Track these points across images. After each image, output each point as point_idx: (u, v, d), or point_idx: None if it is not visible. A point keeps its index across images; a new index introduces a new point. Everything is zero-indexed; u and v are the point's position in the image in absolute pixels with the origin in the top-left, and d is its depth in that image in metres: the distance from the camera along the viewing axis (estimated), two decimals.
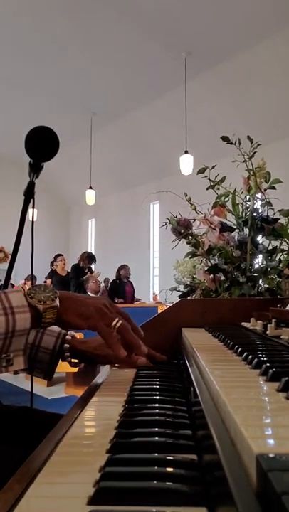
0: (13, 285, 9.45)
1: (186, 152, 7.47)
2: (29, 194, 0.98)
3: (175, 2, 6.18)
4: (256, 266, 1.54)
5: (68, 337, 0.92)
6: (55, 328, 0.96)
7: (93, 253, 7.58)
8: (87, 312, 0.70)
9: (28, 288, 0.69)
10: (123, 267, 7.76)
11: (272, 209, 1.55)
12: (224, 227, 1.56)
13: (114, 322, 0.72)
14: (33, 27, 6.93)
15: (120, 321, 0.72)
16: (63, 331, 0.95)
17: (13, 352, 0.65)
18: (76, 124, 10.01)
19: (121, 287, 7.62)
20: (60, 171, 11.78)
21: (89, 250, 13.45)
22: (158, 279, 11.36)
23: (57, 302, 0.68)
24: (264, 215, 1.54)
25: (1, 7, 6.46)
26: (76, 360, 0.92)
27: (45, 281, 8.63)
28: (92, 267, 7.05)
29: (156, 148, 10.10)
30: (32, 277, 1.53)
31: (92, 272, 6.60)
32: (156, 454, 0.40)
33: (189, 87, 7.84)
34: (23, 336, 0.65)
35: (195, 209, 1.64)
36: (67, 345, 0.91)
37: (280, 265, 1.51)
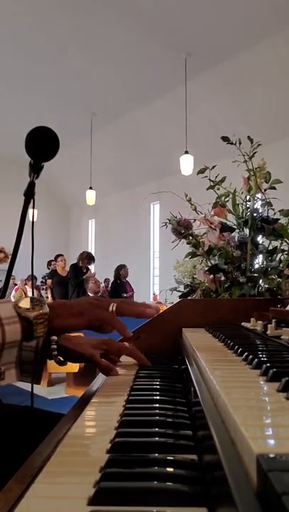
0: (15, 284, 9.42)
1: (186, 152, 7.47)
2: (29, 194, 0.98)
3: (175, 2, 6.18)
4: (256, 266, 1.54)
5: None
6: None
7: (93, 253, 7.56)
8: (79, 308, 0.70)
9: (15, 300, 0.67)
10: (123, 266, 7.73)
11: (273, 209, 1.55)
12: (224, 228, 1.56)
13: (111, 307, 0.71)
14: (33, 27, 6.93)
15: (115, 303, 0.72)
16: None
17: (4, 365, 0.63)
18: (76, 124, 10.02)
19: (121, 287, 7.61)
20: (60, 171, 11.79)
21: (89, 250, 13.48)
22: (158, 279, 11.36)
23: (46, 308, 0.66)
24: (264, 215, 1.54)
25: (1, 7, 6.46)
26: (62, 359, 0.89)
27: (43, 282, 8.65)
28: (92, 267, 7.03)
29: (156, 148, 10.10)
30: (32, 277, 1.52)
31: (85, 273, 6.58)
32: (156, 454, 0.40)
33: (189, 87, 7.84)
34: (13, 347, 0.63)
35: (195, 209, 1.64)
36: (54, 338, 0.88)
37: (281, 265, 1.51)
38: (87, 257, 6.73)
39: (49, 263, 8.35)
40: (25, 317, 0.64)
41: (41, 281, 9.01)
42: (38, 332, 0.65)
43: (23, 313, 0.64)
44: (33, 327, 0.64)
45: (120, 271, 7.67)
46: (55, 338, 0.86)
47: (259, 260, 1.56)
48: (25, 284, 8.45)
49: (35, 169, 0.98)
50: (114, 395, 0.63)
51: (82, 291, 6.38)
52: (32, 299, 0.67)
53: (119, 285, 7.64)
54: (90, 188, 9.80)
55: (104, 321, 0.71)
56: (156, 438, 0.44)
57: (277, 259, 1.54)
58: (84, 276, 6.45)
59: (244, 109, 7.97)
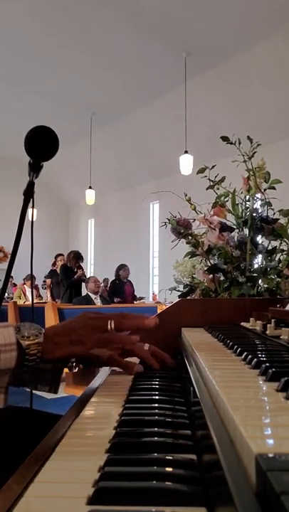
0: (15, 284, 9.39)
1: (186, 152, 7.47)
2: (29, 194, 0.98)
3: (175, 2, 6.18)
4: (256, 266, 1.54)
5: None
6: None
7: (92, 253, 7.55)
8: (78, 336, 0.68)
9: (16, 324, 0.66)
10: (122, 266, 7.72)
11: (272, 209, 1.55)
12: (224, 227, 1.56)
13: (109, 324, 0.70)
14: (33, 27, 6.93)
15: (112, 321, 0.71)
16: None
17: None
18: (76, 123, 10.02)
19: (120, 287, 7.61)
20: (59, 170, 11.79)
21: (88, 250, 13.50)
22: (157, 278, 11.37)
23: (41, 338, 0.65)
24: (264, 215, 1.54)
25: (1, 7, 6.46)
26: (81, 366, 0.89)
27: (44, 281, 8.64)
28: (91, 267, 7.01)
29: (156, 148, 10.10)
30: (32, 277, 1.52)
31: (82, 270, 6.55)
32: (155, 454, 0.40)
33: (189, 86, 7.84)
34: (6, 374, 0.63)
35: (195, 209, 1.64)
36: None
37: (280, 265, 1.51)
38: (75, 257, 6.68)
39: (54, 264, 8.33)
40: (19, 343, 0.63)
41: (43, 281, 8.99)
42: (30, 359, 0.64)
43: (19, 339, 0.63)
44: (25, 356, 0.64)
45: (120, 271, 7.67)
46: None
47: (258, 260, 1.56)
48: (24, 283, 8.45)
49: (35, 169, 0.97)
50: (113, 395, 0.63)
51: (75, 291, 6.35)
52: (30, 326, 0.66)
53: (118, 285, 7.64)
54: (90, 187, 9.80)
55: (106, 343, 0.70)
56: (156, 438, 0.44)
57: (277, 259, 1.54)
58: (75, 276, 6.44)
59: (244, 109, 7.97)
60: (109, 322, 0.71)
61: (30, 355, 0.64)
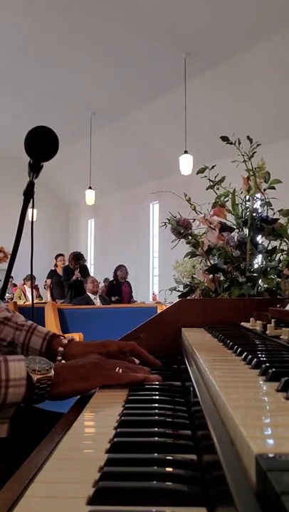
0: (15, 284, 9.38)
1: (186, 152, 7.47)
2: (29, 194, 0.98)
3: (175, 2, 6.18)
4: (256, 266, 1.54)
5: (65, 341, 0.90)
6: (43, 329, 0.95)
7: (92, 253, 7.57)
8: (86, 373, 0.68)
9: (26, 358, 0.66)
10: (120, 267, 7.79)
11: (272, 209, 1.55)
12: (224, 227, 1.56)
13: (116, 370, 0.70)
14: (33, 27, 6.93)
15: (120, 369, 0.70)
16: (51, 332, 0.93)
17: None
18: (76, 124, 10.01)
19: (118, 287, 7.66)
20: (59, 170, 11.79)
21: (88, 250, 13.49)
22: (157, 279, 11.36)
23: (52, 373, 0.65)
24: (263, 215, 1.54)
25: (1, 7, 6.46)
26: None
27: (45, 281, 8.63)
28: (91, 267, 7.03)
29: (156, 148, 10.10)
30: (31, 277, 1.52)
31: (83, 272, 6.56)
32: (155, 454, 0.40)
33: (189, 87, 7.84)
34: (12, 407, 0.63)
35: (194, 209, 1.64)
36: (61, 349, 0.87)
37: (280, 265, 1.51)
38: (74, 258, 6.71)
39: (56, 264, 8.33)
40: (29, 376, 0.63)
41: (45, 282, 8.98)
42: (39, 393, 0.64)
43: (29, 372, 0.63)
44: (34, 390, 0.63)
45: (117, 271, 7.73)
46: (61, 349, 0.86)
47: (258, 260, 1.56)
48: (24, 283, 8.44)
49: (35, 169, 0.97)
50: (113, 395, 0.63)
51: (76, 292, 6.36)
52: (40, 360, 0.66)
53: (115, 286, 7.71)
54: (90, 187, 9.80)
55: (115, 380, 0.69)
56: (156, 438, 0.44)
57: (277, 259, 1.54)
58: (73, 278, 6.46)
59: (244, 109, 7.97)
60: (117, 369, 0.70)
61: (40, 390, 0.64)
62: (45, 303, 5.35)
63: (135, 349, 0.84)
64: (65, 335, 0.94)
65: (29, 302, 6.97)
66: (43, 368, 0.65)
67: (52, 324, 3.97)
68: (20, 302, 6.72)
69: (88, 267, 7.16)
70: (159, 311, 2.36)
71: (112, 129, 10.35)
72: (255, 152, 1.54)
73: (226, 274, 1.51)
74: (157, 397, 0.60)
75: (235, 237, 1.54)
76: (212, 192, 1.61)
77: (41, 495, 0.34)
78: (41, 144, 0.96)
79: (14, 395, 0.61)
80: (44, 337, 0.92)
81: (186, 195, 1.65)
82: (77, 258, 6.72)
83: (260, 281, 1.50)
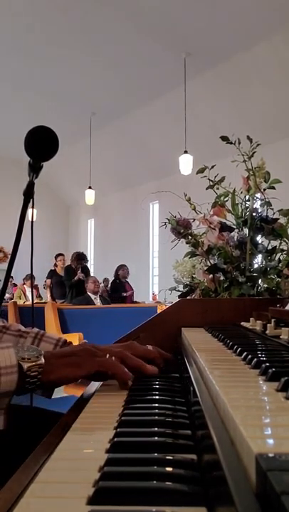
0: (15, 284, 9.40)
1: (186, 152, 7.47)
2: (28, 194, 0.98)
3: (175, 2, 6.18)
4: (256, 266, 1.54)
5: None
6: (54, 335, 0.93)
7: (92, 253, 7.58)
8: (77, 359, 0.66)
9: (17, 346, 0.65)
10: (122, 266, 7.80)
11: (272, 209, 1.55)
12: (224, 227, 1.56)
13: (108, 356, 0.68)
14: (33, 27, 6.93)
15: (113, 357, 0.68)
16: (63, 339, 0.91)
17: None
18: (76, 124, 10.02)
19: (121, 286, 7.66)
20: (59, 170, 11.79)
21: (88, 250, 13.50)
22: (157, 278, 11.37)
23: (42, 360, 0.63)
24: (263, 215, 1.54)
25: (1, 7, 6.46)
26: None
27: (45, 281, 8.63)
28: (91, 266, 7.04)
29: (155, 148, 10.10)
30: (31, 277, 1.52)
31: (84, 272, 6.56)
32: (155, 454, 0.40)
33: (189, 87, 7.84)
34: (6, 397, 0.62)
35: (194, 209, 1.64)
36: None
37: (280, 265, 1.51)
38: (77, 258, 6.72)
39: (56, 264, 8.33)
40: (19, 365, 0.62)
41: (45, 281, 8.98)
42: (30, 382, 0.62)
43: (19, 360, 0.62)
44: (25, 379, 0.62)
45: (119, 271, 7.73)
46: None
47: (258, 260, 1.56)
48: (24, 283, 8.45)
49: (35, 169, 0.97)
50: (113, 395, 0.63)
51: (77, 292, 6.36)
52: (29, 348, 0.65)
53: (119, 285, 7.71)
54: (90, 187, 9.80)
55: (104, 369, 0.66)
56: (156, 438, 0.44)
57: (277, 258, 1.54)
58: (75, 278, 6.46)
59: (243, 109, 7.97)
60: (108, 356, 0.68)
61: (31, 378, 0.62)
62: (45, 303, 5.35)
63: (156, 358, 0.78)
64: (65, 335, 0.94)
65: (29, 302, 6.98)
66: (33, 355, 0.63)
67: (52, 324, 3.97)
68: (20, 302, 6.72)
69: (88, 266, 7.17)
70: (159, 311, 2.36)
71: (112, 129, 10.35)
72: (255, 152, 1.54)
73: (225, 274, 1.51)
74: (157, 397, 0.60)
75: (235, 237, 1.54)
76: (212, 192, 1.61)
77: (41, 495, 0.34)
78: (41, 144, 0.96)
79: (7, 383, 0.60)
80: (56, 343, 0.89)
81: (186, 195, 1.65)
82: (80, 258, 6.73)
83: (260, 281, 1.50)
